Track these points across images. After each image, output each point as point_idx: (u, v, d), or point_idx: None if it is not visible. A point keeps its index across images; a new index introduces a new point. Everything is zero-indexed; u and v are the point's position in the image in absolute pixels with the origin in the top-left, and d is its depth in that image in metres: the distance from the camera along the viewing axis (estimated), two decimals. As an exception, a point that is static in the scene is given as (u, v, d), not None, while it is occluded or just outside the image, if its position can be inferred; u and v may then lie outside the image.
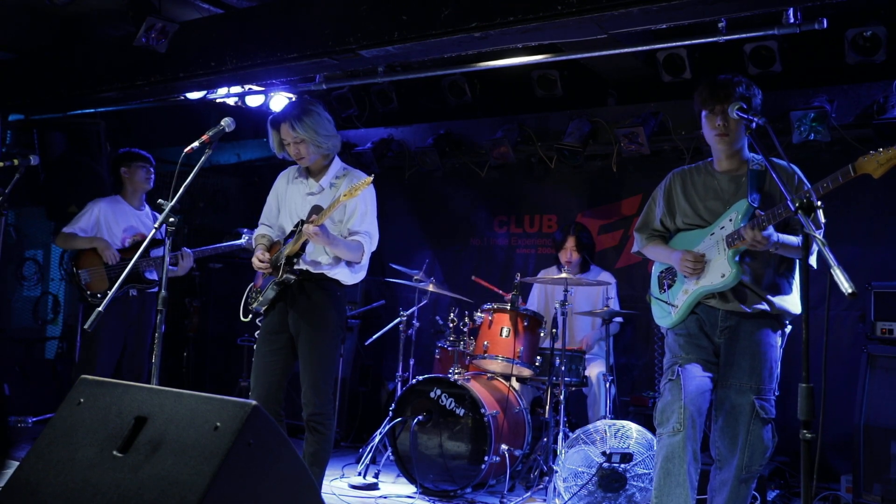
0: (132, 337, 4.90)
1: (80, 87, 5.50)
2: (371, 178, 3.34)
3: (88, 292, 4.81)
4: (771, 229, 2.87)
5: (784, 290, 3.05)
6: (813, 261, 2.97)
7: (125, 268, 4.75)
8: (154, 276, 4.95)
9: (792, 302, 3.07)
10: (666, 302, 3.21)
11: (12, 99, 5.98)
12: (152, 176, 5.13)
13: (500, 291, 5.09)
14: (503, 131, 6.04)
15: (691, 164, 3.31)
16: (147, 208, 5.16)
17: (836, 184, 2.61)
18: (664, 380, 3.12)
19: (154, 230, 3.11)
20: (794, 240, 2.94)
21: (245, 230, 4.67)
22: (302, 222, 3.53)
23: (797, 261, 3.07)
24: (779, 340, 3.07)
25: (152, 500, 1.85)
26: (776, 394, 3.06)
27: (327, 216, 3.39)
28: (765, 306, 3.00)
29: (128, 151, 5.15)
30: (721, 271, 3.00)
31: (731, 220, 3.01)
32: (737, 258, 2.98)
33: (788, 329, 3.11)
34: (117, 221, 4.97)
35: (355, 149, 6.56)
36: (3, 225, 4.26)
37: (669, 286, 3.25)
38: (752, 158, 3.09)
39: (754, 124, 2.79)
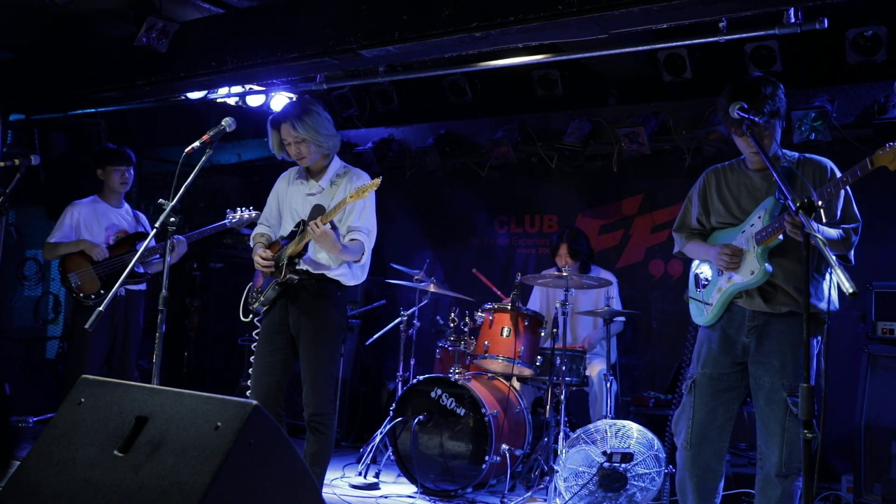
0: (120, 336, 4.89)
1: (81, 87, 5.50)
2: (379, 181, 3.30)
3: (81, 294, 4.77)
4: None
5: (815, 288, 3.00)
6: (851, 255, 2.96)
7: (114, 265, 4.79)
8: (141, 269, 4.91)
9: (822, 300, 3.01)
10: (701, 301, 3.19)
11: (13, 99, 5.97)
12: (129, 177, 5.03)
13: (500, 293, 5.07)
14: (504, 131, 6.03)
15: (725, 162, 3.28)
16: (126, 206, 5.11)
17: (854, 178, 2.62)
18: (684, 384, 3.22)
19: (155, 229, 3.10)
20: (835, 233, 2.92)
21: (248, 231, 4.65)
22: (303, 222, 3.52)
23: (831, 258, 3.06)
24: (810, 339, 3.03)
25: (153, 499, 1.84)
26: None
27: (334, 216, 3.37)
28: (791, 307, 2.98)
29: (104, 151, 5.08)
30: (750, 268, 3.00)
31: (759, 218, 3.01)
32: (765, 255, 2.97)
33: (825, 327, 3.04)
34: (98, 221, 4.92)
35: (356, 149, 6.56)
36: (3, 225, 4.26)
37: (705, 285, 3.24)
38: (784, 155, 3.08)
39: (759, 120, 2.78)
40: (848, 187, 2.86)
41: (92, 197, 5.02)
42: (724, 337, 3.10)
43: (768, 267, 2.95)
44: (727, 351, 3.08)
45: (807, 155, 3.11)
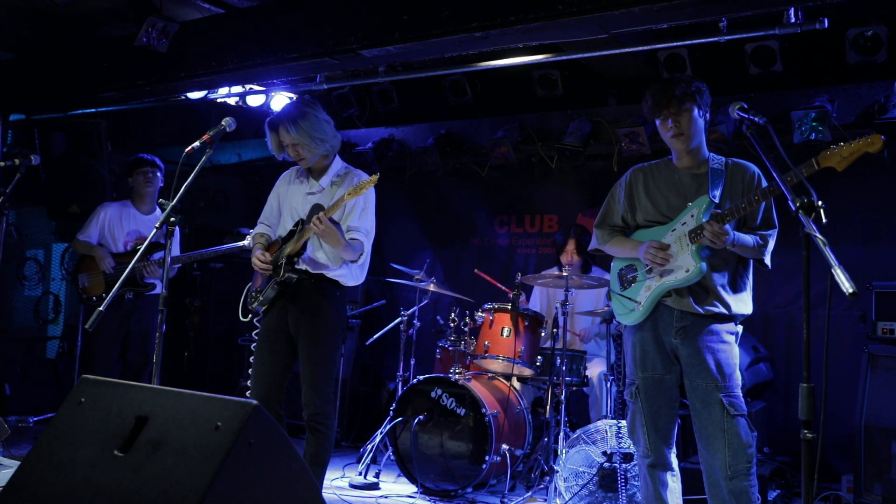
0: (135, 337, 4.95)
1: (81, 87, 5.50)
2: (376, 177, 3.32)
3: (85, 295, 4.93)
4: (729, 227, 2.91)
5: (739, 290, 3.07)
6: (768, 260, 3.02)
7: (122, 272, 4.81)
8: (152, 281, 4.97)
9: (745, 303, 3.08)
10: (629, 298, 3.17)
11: (13, 99, 5.98)
12: (154, 177, 5.12)
13: (503, 287, 5.10)
14: (504, 131, 6.03)
15: (652, 161, 3.32)
16: (157, 214, 5.17)
17: (797, 178, 2.61)
18: (626, 391, 3.21)
19: (154, 230, 3.10)
20: (750, 239, 2.98)
21: (248, 231, 4.66)
22: (302, 221, 3.53)
23: (751, 262, 3.11)
24: (733, 339, 3.05)
25: (153, 499, 1.84)
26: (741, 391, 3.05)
27: (335, 211, 3.38)
28: (719, 308, 3.01)
29: (132, 159, 5.23)
30: (685, 266, 2.99)
31: (692, 216, 3.02)
32: (701, 253, 2.97)
33: (740, 329, 3.10)
34: (122, 225, 5.04)
35: (356, 148, 6.56)
36: (4, 225, 4.28)
37: (631, 283, 3.21)
38: (713, 157, 3.13)
39: (758, 120, 2.79)
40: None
41: (124, 201, 5.17)
42: (655, 337, 3.09)
43: (703, 266, 2.96)
44: (660, 351, 3.08)
45: (734, 159, 3.15)
